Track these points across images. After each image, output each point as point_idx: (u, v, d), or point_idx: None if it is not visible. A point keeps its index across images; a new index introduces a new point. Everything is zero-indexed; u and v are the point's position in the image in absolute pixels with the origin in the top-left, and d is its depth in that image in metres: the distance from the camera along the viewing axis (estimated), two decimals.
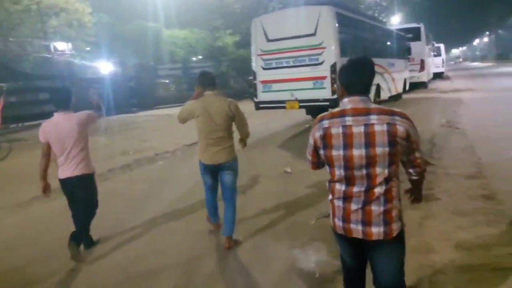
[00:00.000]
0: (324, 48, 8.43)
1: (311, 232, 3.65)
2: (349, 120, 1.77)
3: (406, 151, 1.80)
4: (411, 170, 1.89)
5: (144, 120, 14.38)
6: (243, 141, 3.77)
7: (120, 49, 20.85)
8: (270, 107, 9.54)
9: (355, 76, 1.83)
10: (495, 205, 3.75)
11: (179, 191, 5.37)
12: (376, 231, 1.76)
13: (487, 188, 4.21)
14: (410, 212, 3.76)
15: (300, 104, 8.86)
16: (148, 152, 8.34)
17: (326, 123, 1.82)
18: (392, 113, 1.76)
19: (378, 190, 1.75)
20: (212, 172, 3.56)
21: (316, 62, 8.50)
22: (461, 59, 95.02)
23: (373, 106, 1.79)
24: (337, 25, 8.44)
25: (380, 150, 1.71)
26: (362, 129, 1.73)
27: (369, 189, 1.76)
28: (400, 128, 1.72)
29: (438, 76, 26.37)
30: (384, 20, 20.01)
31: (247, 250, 3.50)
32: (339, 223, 1.85)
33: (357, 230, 1.80)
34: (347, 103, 1.82)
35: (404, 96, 15.80)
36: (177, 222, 4.30)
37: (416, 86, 18.64)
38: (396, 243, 1.83)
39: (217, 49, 25.44)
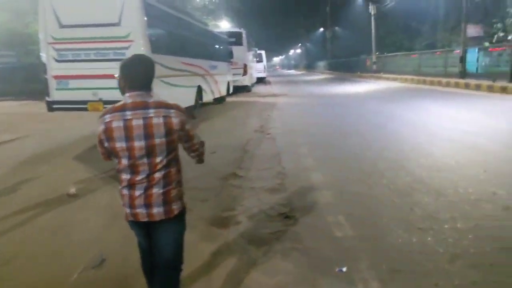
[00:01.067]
0: (131, 41, 7.33)
1: None
2: (129, 114, 1.85)
3: (184, 139, 1.99)
4: (192, 154, 2.12)
5: None
6: None
7: None
8: (67, 108, 7.86)
9: (136, 71, 1.90)
10: (292, 226, 3.47)
11: None
12: (156, 211, 1.91)
13: (287, 205, 3.97)
14: (202, 245, 3.13)
15: (105, 106, 7.51)
16: None
17: (108, 117, 1.87)
18: (167, 107, 1.90)
19: (158, 175, 1.89)
20: None
21: (123, 57, 7.24)
22: (277, 67, 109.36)
23: (151, 100, 1.89)
24: (145, 17, 7.45)
25: (158, 140, 1.85)
26: (141, 122, 1.84)
27: (150, 176, 1.89)
28: (175, 120, 1.89)
29: (260, 80, 28.59)
30: (210, 22, 20.08)
31: None
32: (128, 210, 1.95)
33: (142, 213, 1.92)
34: (127, 97, 1.90)
35: (228, 99, 16.07)
36: None
37: (240, 89, 19.42)
38: (176, 221, 1.99)
39: (25, 36, 20.90)
